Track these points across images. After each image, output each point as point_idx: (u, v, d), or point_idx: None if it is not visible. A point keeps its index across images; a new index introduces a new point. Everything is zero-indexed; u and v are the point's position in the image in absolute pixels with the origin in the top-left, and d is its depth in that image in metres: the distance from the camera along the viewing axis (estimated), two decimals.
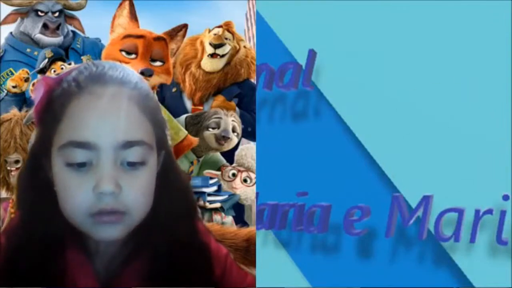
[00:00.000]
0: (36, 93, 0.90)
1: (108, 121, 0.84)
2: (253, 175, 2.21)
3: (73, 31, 2.83)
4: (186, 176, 1.03)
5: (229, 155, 2.40)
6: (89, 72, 0.87)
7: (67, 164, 0.84)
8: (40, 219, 0.90)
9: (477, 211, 1.14)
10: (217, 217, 2.15)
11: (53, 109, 0.86)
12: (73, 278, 0.90)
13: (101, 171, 0.83)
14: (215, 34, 2.53)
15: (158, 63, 2.02)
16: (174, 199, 0.94)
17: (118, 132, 0.84)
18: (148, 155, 0.87)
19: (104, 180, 0.82)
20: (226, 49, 2.53)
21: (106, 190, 0.82)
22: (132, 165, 0.85)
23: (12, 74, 2.54)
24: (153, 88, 2.04)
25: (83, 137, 0.83)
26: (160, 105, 2.18)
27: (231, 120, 2.34)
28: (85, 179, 0.83)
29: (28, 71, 2.42)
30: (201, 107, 2.55)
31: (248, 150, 2.28)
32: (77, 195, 0.83)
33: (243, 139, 2.59)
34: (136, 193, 0.85)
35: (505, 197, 1.12)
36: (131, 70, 0.92)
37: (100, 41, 2.81)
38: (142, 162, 0.86)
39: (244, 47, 2.62)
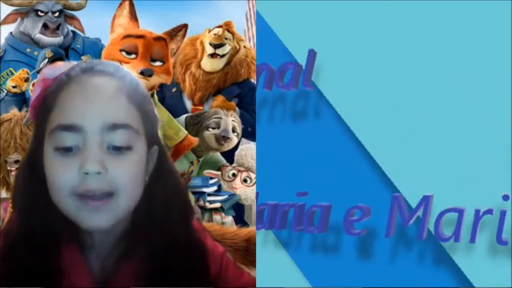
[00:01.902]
0: (34, 91, 0.92)
1: (94, 105, 0.86)
2: (253, 175, 2.21)
3: (73, 31, 2.82)
4: (181, 175, 1.05)
5: (229, 155, 2.40)
6: (80, 66, 0.91)
7: (55, 148, 0.86)
8: (36, 215, 0.91)
9: (477, 211, 1.14)
10: (217, 217, 2.15)
11: (46, 102, 0.89)
12: (69, 277, 0.90)
13: (87, 153, 0.84)
14: (215, 34, 2.53)
15: (158, 63, 2.02)
16: (169, 196, 0.95)
17: (104, 115, 0.86)
18: (135, 140, 0.88)
19: (89, 161, 0.84)
20: (226, 49, 2.53)
21: (91, 170, 0.84)
22: (117, 149, 0.86)
23: (12, 74, 2.54)
24: (153, 88, 2.04)
25: (70, 120, 0.85)
26: (160, 105, 2.19)
27: (231, 120, 2.34)
28: (71, 162, 0.85)
29: (28, 71, 2.42)
30: (201, 107, 2.56)
31: (248, 150, 2.28)
32: (62, 176, 0.85)
33: (243, 139, 2.59)
34: (122, 175, 0.86)
35: (505, 197, 1.12)
36: (121, 67, 0.94)
37: (100, 41, 2.81)
38: (128, 146, 0.87)
39: (244, 47, 2.62)
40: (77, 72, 0.89)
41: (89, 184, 0.84)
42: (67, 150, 0.85)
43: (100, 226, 0.87)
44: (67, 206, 0.86)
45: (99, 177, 0.84)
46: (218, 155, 2.43)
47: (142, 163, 0.90)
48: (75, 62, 0.93)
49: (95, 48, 2.76)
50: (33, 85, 2.31)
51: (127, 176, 0.87)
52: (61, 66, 0.93)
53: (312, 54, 1.37)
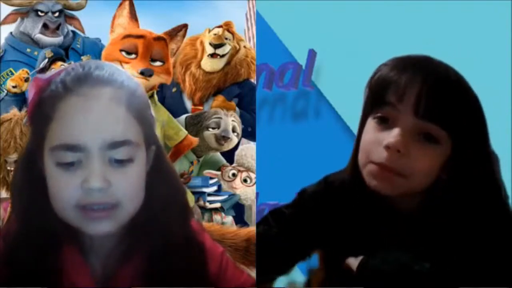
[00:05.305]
0: (29, 94, 0.92)
1: (95, 123, 0.86)
2: (253, 175, 2.21)
3: (73, 31, 2.82)
4: (181, 175, 1.05)
5: (229, 155, 2.40)
6: (76, 73, 0.89)
7: (57, 163, 0.86)
8: (35, 217, 0.91)
9: None
10: (217, 217, 2.15)
11: (43, 110, 0.89)
12: (70, 278, 0.90)
13: (90, 168, 0.85)
14: (215, 34, 2.53)
15: (158, 63, 2.02)
16: (167, 194, 0.95)
17: (105, 133, 0.86)
18: (136, 153, 0.89)
19: (93, 176, 0.85)
20: (226, 49, 2.53)
21: (95, 186, 0.85)
22: (119, 162, 0.87)
23: (12, 74, 2.54)
24: (153, 88, 2.04)
25: (72, 140, 0.86)
26: (160, 105, 2.17)
27: (231, 120, 2.34)
28: (74, 176, 0.86)
29: (28, 71, 2.42)
30: (201, 107, 2.55)
31: (248, 150, 2.28)
32: (65, 190, 0.86)
33: (243, 139, 2.59)
34: (125, 187, 0.87)
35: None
36: (118, 68, 0.94)
37: (100, 41, 2.81)
38: (130, 159, 0.88)
39: (244, 47, 2.62)
40: (73, 80, 0.88)
41: (93, 199, 0.85)
42: (69, 165, 0.86)
43: (103, 232, 0.88)
44: (70, 217, 0.88)
45: (102, 191, 0.85)
46: (218, 155, 2.43)
47: (143, 172, 0.91)
48: (69, 64, 0.93)
49: (95, 48, 2.76)
50: None
51: (129, 188, 0.88)
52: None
53: (312, 54, 1.37)
